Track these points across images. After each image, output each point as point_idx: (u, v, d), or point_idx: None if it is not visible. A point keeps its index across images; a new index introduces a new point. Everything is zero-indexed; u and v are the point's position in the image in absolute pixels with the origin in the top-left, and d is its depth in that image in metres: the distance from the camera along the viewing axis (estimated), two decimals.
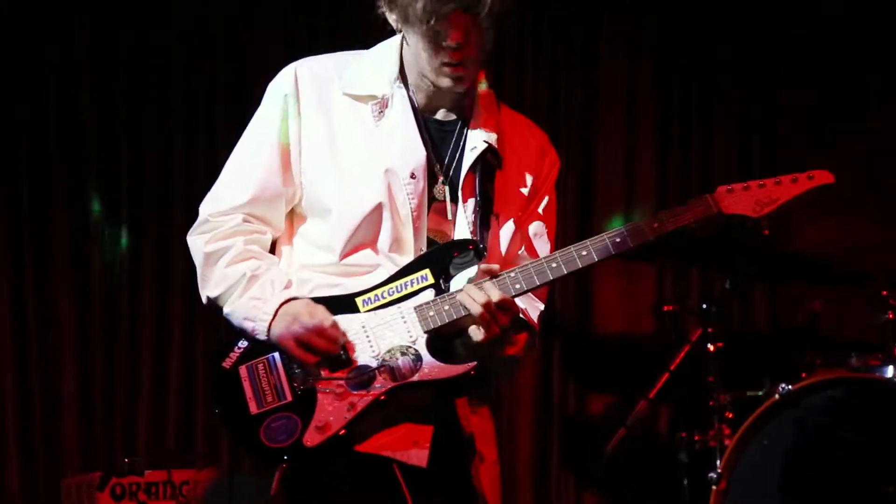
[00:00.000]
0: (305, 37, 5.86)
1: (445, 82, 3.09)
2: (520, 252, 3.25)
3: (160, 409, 5.79)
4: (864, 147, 5.96)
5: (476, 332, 3.01)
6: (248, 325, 3.07)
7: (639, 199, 6.11)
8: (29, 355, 5.71)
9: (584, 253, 3.04)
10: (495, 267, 3.06)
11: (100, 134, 5.83)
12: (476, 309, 2.97)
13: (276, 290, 3.07)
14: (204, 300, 3.17)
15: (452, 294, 3.04)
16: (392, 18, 3.07)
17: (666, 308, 5.70)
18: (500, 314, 2.99)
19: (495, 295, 2.98)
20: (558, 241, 3.23)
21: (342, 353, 3.03)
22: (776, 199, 3.07)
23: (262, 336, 3.06)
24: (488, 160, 3.18)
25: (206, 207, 3.19)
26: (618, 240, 3.05)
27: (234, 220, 3.15)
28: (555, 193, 3.34)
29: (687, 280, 6.10)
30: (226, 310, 3.12)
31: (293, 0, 5.96)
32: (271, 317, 3.04)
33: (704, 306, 5.32)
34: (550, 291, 5.83)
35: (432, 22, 2.96)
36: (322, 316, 3.02)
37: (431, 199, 3.13)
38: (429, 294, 3.05)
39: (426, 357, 3.02)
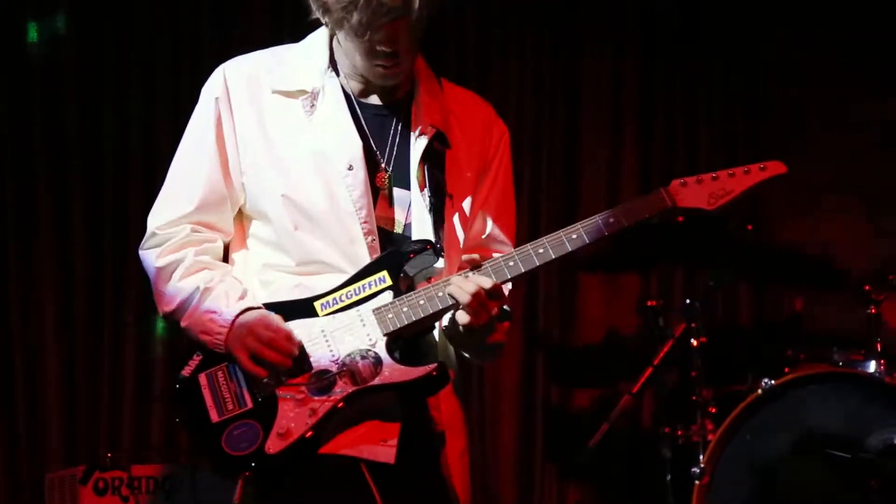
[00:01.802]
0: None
1: (379, 80, 3.09)
2: (483, 237, 3.23)
3: (144, 404, 5.79)
4: (848, 143, 5.94)
5: (470, 323, 2.98)
6: (205, 339, 3.05)
7: (623, 199, 6.08)
8: (12, 349, 5.71)
9: (541, 251, 3.03)
10: (476, 256, 3.04)
11: (84, 136, 5.80)
12: (465, 298, 2.95)
13: (230, 302, 3.04)
14: (161, 314, 3.15)
15: (411, 295, 3.02)
16: (326, 21, 3.04)
17: (650, 303, 5.67)
18: (491, 302, 2.97)
19: (487, 283, 2.96)
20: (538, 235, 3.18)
21: (297, 363, 3.01)
22: (730, 191, 3.07)
23: (220, 350, 3.04)
24: (435, 145, 3.15)
25: (154, 220, 3.17)
26: (574, 236, 3.04)
27: (182, 230, 3.13)
28: (510, 165, 3.30)
29: (671, 275, 6.08)
30: (182, 324, 3.10)
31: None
32: (227, 329, 3.02)
33: (688, 302, 5.32)
34: (534, 285, 5.95)
35: (367, 35, 2.95)
36: (276, 328, 2.99)
37: (375, 188, 3.10)
38: (387, 296, 3.03)
39: (386, 360, 2.99)
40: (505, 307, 3.08)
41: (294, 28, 3.22)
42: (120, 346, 5.80)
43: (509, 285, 3.11)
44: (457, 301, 2.98)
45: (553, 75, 6.17)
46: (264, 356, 2.98)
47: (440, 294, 3.01)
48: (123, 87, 5.83)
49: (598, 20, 6.20)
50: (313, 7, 3.01)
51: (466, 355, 3.23)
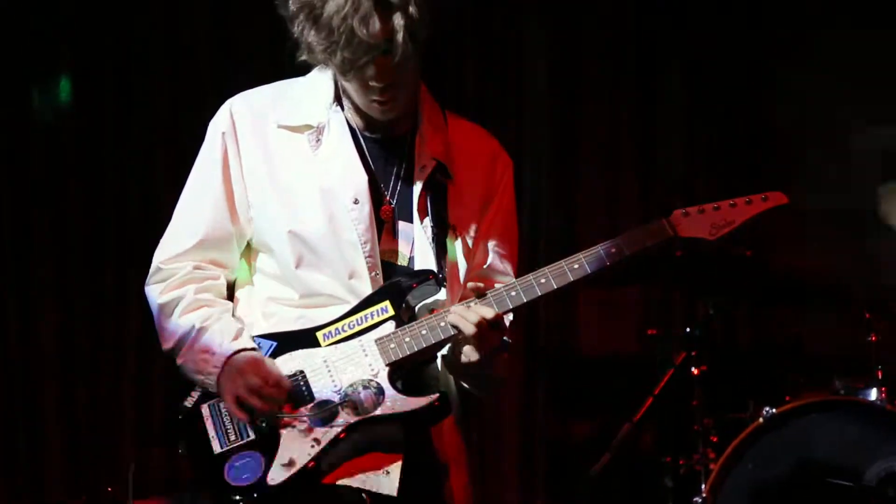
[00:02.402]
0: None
1: (377, 114, 3.10)
2: (485, 267, 3.23)
3: (145, 437, 5.77)
4: (848, 170, 5.94)
5: (471, 353, 3.00)
6: (198, 379, 3.08)
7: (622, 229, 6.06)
8: (13, 380, 5.69)
9: (543, 280, 3.05)
10: (481, 285, 3.06)
11: (81, 155, 5.80)
12: (467, 328, 2.97)
13: (224, 342, 3.05)
14: (164, 351, 3.17)
15: (413, 326, 3.04)
16: (313, 61, 3.07)
17: (650, 332, 5.69)
18: (492, 333, 2.99)
19: (489, 313, 2.98)
20: (537, 265, 3.18)
21: (299, 394, 3.02)
22: (731, 221, 3.09)
23: (213, 390, 3.06)
24: (438, 177, 3.17)
25: (158, 255, 3.20)
26: (576, 266, 3.05)
27: (185, 267, 3.15)
28: (513, 197, 3.31)
29: (671, 304, 6.08)
30: (178, 362, 3.12)
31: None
32: (219, 370, 3.03)
33: (688, 330, 5.31)
34: (534, 313, 5.95)
35: (351, 74, 2.98)
36: (266, 373, 3.00)
37: (380, 221, 3.12)
38: (389, 326, 3.04)
39: (388, 390, 3.00)
40: (505, 338, 3.09)
41: (292, 68, 3.23)
42: (120, 378, 5.78)
43: (511, 315, 3.12)
44: (458, 331, 2.99)
45: (552, 106, 6.19)
46: (249, 403, 2.99)
47: (442, 324, 3.03)
48: (124, 125, 5.83)
49: (596, 47, 6.22)
50: (301, 48, 3.03)
51: (466, 386, 3.24)
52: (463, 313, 2.98)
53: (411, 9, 2.90)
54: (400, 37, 2.89)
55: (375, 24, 2.89)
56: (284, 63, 3.16)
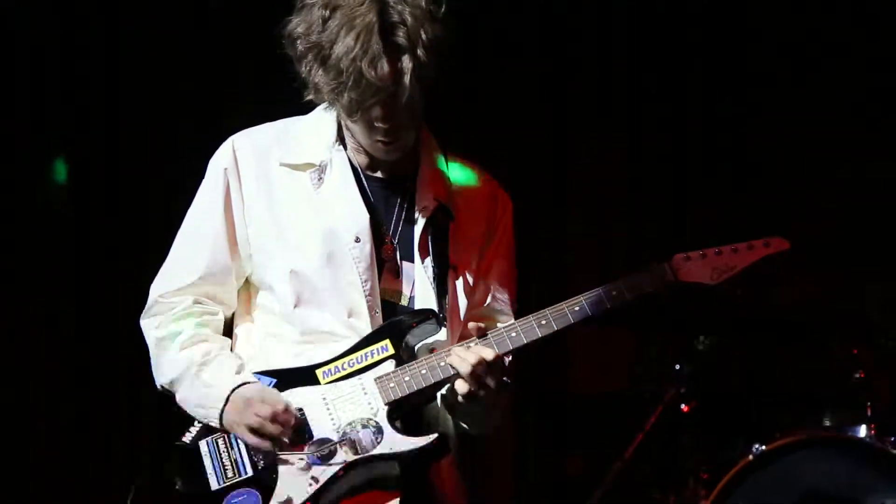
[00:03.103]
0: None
1: (381, 154, 3.12)
2: (484, 306, 3.24)
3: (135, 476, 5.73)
4: (835, 204, 5.97)
5: (463, 387, 2.99)
6: (200, 413, 3.07)
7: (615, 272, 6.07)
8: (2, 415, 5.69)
9: (544, 322, 3.05)
10: (482, 325, 3.06)
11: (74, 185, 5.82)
12: (466, 368, 2.96)
13: (226, 376, 3.06)
14: (158, 387, 3.16)
15: (412, 365, 3.04)
16: (318, 101, 3.10)
17: (640, 369, 5.69)
18: (491, 373, 2.99)
19: (489, 354, 2.98)
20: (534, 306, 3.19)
21: (298, 431, 3.02)
22: (733, 266, 3.10)
23: (214, 423, 3.05)
24: (439, 217, 3.18)
25: (156, 288, 3.19)
26: (576, 308, 3.06)
27: (184, 301, 3.15)
28: (513, 237, 3.32)
29: (661, 340, 6.08)
30: (178, 397, 3.11)
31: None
32: (223, 403, 3.03)
33: (678, 367, 5.33)
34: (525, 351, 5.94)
35: (357, 115, 3.00)
36: (274, 401, 3.00)
37: (381, 260, 3.13)
38: (389, 365, 3.05)
39: (387, 429, 3.01)
40: (505, 378, 3.08)
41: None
42: (113, 412, 5.76)
43: (510, 357, 3.11)
44: (457, 371, 3.00)
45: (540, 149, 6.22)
46: (265, 430, 2.98)
47: (442, 364, 3.03)
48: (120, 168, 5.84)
49: (585, 88, 6.26)
50: (308, 87, 3.05)
51: (465, 426, 3.23)
52: (463, 354, 2.99)
53: (419, 51, 2.92)
54: (407, 79, 2.91)
55: (384, 66, 2.91)
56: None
